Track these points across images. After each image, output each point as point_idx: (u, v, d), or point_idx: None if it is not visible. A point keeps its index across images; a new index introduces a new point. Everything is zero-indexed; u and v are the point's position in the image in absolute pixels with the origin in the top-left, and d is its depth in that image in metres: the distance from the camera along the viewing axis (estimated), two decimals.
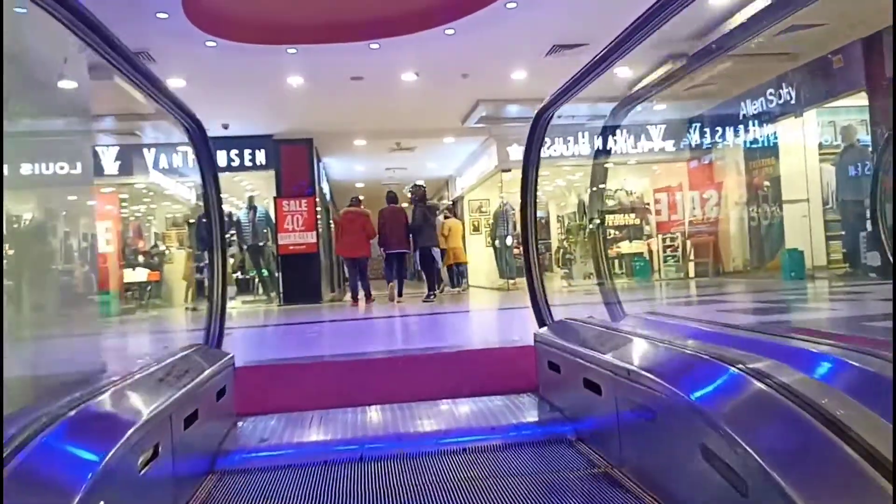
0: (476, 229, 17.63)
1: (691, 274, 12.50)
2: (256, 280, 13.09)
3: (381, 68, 8.65)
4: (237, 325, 7.82)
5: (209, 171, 2.68)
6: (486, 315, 8.43)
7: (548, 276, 19.60)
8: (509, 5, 6.59)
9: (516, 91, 10.28)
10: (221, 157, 12.19)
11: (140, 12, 6.32)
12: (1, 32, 1.64)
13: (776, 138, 11.15)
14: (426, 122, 11.96)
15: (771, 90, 10.38)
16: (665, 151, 13.24)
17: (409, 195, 11.26)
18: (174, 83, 8.74)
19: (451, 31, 7.21)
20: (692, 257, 12.61)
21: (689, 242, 12.62)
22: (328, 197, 17.45)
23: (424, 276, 10.99)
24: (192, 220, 13.61)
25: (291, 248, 12.08)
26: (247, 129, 11.73)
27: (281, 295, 12.12)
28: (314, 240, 12.14)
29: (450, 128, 12.38)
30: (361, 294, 10.67)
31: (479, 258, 17.24)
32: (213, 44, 7.21)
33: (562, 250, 19.36)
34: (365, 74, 8.88)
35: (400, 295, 10.55)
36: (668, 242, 15.06)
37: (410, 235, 10.69)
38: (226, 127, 11.44)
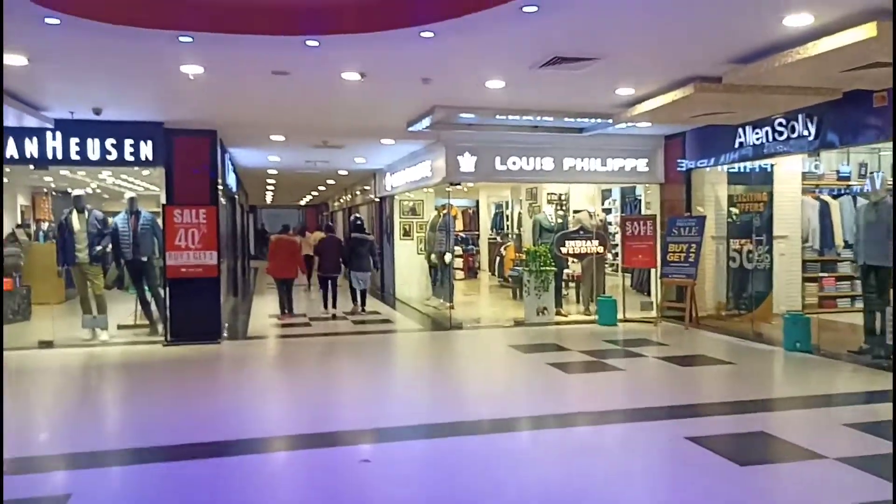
0: (407, 234, 15.37)
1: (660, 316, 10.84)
2: (137, 303, 10.41)
3: (315, 65, 6.25)
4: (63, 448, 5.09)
5: None
6: None
7: (468, 284, 17.21)
8: (527, 9, 4.37)
9: (485, 100, 8.09)
10: (92, 147, 9.32)
11: None
12: (1, 32, 1.93)
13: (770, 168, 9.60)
14: (364, 121, 9.57)
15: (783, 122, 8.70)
16: (637, 172, 11.45)
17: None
18: (12, 60, 5.96)
19: (428, 35, 4.92)
20: (659, 298, 10.95)
21: (659, 281, 10.93)
22: (234, 188, 14.70)
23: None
24: None
25: (184, 270, 9.44)
26: (127, 114, 8.93)
27: (168, 329, 9.53)
28: (214, 261, 9.56)
29: (392, 129, 10.02)
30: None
31: (409, 268, 15.05)
32: (55, 21, 4.59)
33: (498, 258, 17.32)
34: (292, 70, 6.44)
35: (335, 307, 12.15)
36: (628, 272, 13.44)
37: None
38: (97, 112, 8.59)
